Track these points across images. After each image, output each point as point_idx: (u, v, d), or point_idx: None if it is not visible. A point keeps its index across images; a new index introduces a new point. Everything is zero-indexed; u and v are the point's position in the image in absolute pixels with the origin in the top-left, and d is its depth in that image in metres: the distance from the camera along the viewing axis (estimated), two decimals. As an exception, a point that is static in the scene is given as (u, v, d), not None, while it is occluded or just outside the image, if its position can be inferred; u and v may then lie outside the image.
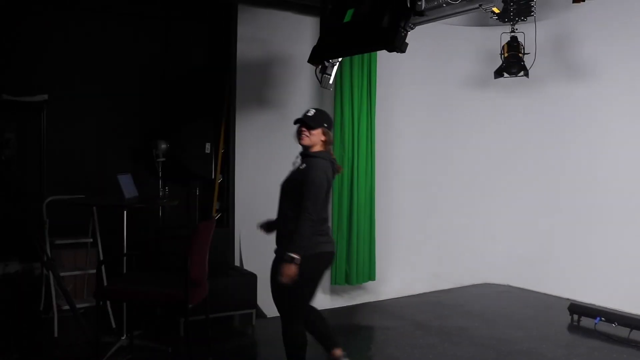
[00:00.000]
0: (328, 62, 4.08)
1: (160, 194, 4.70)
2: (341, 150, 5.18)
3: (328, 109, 4.90)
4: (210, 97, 5.04)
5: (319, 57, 4.03)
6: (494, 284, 5.96)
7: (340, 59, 4.18)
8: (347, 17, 3.61)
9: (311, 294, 2.98)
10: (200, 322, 3.70)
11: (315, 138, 2.99)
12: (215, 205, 4.96)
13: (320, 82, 4.15)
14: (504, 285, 5.93)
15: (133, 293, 3.30)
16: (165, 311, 4.44)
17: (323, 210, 2.94)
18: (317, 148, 3.00)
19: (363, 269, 5.21)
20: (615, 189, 5.29)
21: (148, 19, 4.93)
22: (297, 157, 3.09)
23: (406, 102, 5.68)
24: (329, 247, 3.00)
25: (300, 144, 3.03)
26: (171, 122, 4.94)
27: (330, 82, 4.14)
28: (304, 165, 2.99)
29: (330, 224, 3.39)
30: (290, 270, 2.77)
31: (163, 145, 4.70)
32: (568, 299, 5.19)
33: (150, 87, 4.96)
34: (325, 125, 3.04)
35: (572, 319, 4.72)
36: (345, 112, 5.16)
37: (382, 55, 4.98)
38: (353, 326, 4.81)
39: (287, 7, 5.12)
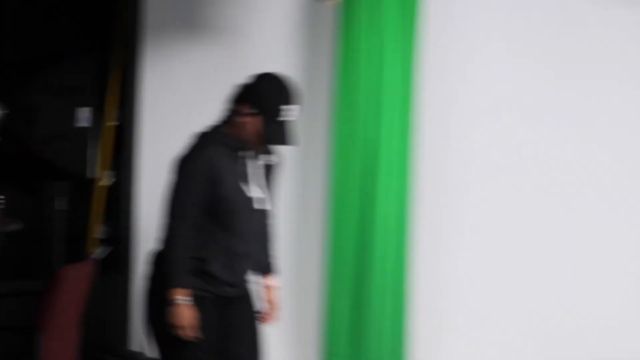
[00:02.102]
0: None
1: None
2: (349, 124, 3.88)
3: (323, 44, 4.01)
4: (88, 14, 4.15)
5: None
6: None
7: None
8: None
9: None
10: None
11: None
12: (97, 231, 4.09)
13: None
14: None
15: None
16: None
17: None
18: None
19: (385, 348, 3.93)
20: None
21: None
22: (246, 152, 2.90)
23: (485, 32, 4.14)
24: None
25: (253, 150, 2.95)
26: (5, 65, 4.07)
27: None
28: (273, 158, 2.99)
29: None
30: None
31: (-11, 113, 3.91)
32: None
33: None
34: None
35: None
36: (361, 52, 3.85)
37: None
38: None
39: None
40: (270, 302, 2.91)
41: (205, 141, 2.76)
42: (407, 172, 3.88)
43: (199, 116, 3.41)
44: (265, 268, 2.92)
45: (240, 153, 2.80)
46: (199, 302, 2.75)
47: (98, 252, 4.09)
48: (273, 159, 2.85)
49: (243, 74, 2.76)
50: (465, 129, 4.10)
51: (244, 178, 2.75)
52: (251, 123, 2.70)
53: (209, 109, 3.25)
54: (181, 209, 2.71)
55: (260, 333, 2.93)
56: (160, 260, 2.80)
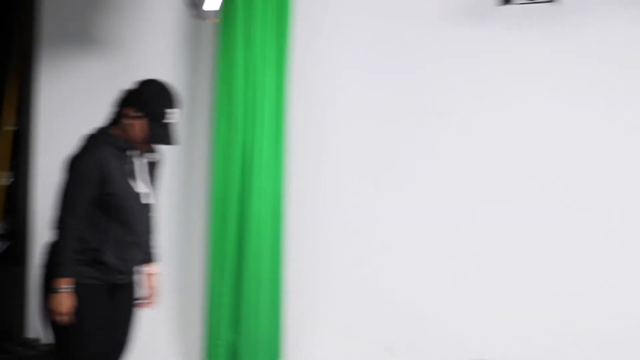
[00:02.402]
0: (205, -26, 3.68)
1: None
2: (228, 130, 4.11)
3: (205, 59, 4.31)
4: None
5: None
6: (492, 363, 5.12)
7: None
8: None
9: None
10: None
11: None
12: None
13: (192, 8, 3.74)
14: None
15: None
16: None
17: None
18: None
19: (262, 340, 4.12)
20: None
21: None
22: (133, 151, 3.03)
23: (346, 49, 4.55)
24: None
25: (140, 149, 3.10)
26: None
27: (211, 8, 3.70)
28: (155, 156, 3.14)
29: None
30: None
31: None
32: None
33: None
34: None
35: None
36: (238, 64, 4.07)
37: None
38: None
39: None
40: (151, 287, 3.11)
41: (95, 142, 2.90)
42: (279, 172, 4.17)
43: (90, 120, 3.40)
44: (147, 257, 3.10)
45: (127, 152, 2.91)
46: (92, 289, 2.89)
47: (-3, 246, 4.03)
48: (155, 157, 3.03)
49: (131, 82, 2.96)
50: (330, 133, 4.47)
51: (132, 175, 2.92)
52: (137, 125, 2.87)
53: (99, 114, 3.28)
54: (72, 205, 2.84)
55: (135, 319, 3.12)
56: (52, 250, 2.89)
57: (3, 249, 4.17)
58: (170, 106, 2.95)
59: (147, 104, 2.90)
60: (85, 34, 4.17)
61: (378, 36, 4.52)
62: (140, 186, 2.98)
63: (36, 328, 3.99)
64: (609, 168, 4.47)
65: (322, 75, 4.46)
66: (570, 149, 4.51)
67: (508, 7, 4.27)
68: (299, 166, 4.35)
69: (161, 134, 2.94)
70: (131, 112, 2.89)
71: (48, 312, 2.93)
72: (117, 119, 2.95)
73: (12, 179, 4.18)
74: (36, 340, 4.00)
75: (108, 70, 4.10)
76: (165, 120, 2.93)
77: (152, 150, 3.02)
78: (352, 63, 4.48)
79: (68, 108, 4.16)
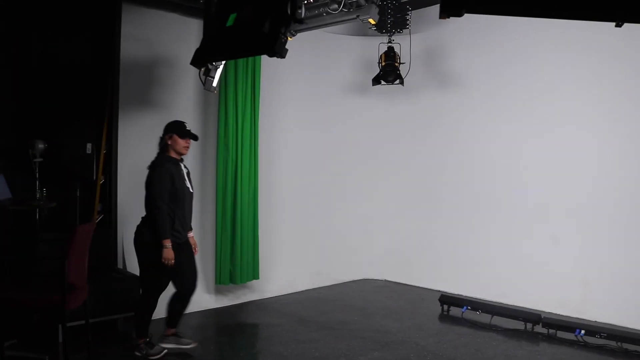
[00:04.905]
0: (212, 64, 4.29)
1: (37, 195, 4.42)
2: (225, 152, 5.14)
3: (212, 112, 5.40)
4: (92, 96, 4.87)
5: (202, 60, 4.13)
6: (372, 280, 6.14)
7: (223, 62, 4.34)
8: (230, 22, 3.69)
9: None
10: (80, 327, 3.60)
11: None
12: (97, 206, 4.82)
13: (204, 84, 4.34)
14: (381, 280, 6.11)
15: (4, 299, 3.13)
16: (41, 317, 4.12)
17: None
18: None
19: (247, 269, 5.17)
20: (476, 189, 5.67)
21: (25, 11, 4.54)
22: (183, 165, 3.65)
23: (289, 106, 5.80)
24: None
25: (185, 153, 3.74)
26: (50, 122, 4.68)
27: (214, 84, 4.35)
28: (187, 168, 3.69)
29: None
30: None
31: (41, 145, 4.44)
32: (439, 291, 5.50)
33: (27, 84, 4.63)
34: None
35: (442, 309, 5.08)
36: (230, 114, 5.13)
37: (266, 60, 4.89)
38: (238, 324, 4.89)
39: (173, 9, 5.07)
40: (194, 243, 4.01)
41: (160, 161, 3.75)
42: (254, 177, 5.34)
43: (149, 147, 4.18)
44: (190, 226, 3.97)
45: (177, 164, 3.71)
46: (173, 246, 3.63)
47: (98, 217, 4.78)
48: (187, 168, 3.86)
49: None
50: (281, 155, 5.84)
51: (183, 178, 3.76)
52: (174, 140, 3.74)
53: (155, 144, 4.05)
54: (160, 198, 3.60)
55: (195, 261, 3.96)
56: (151, 222, 3.60)
57: (100, 218, 4.77)
58: (184, 122, 3.83)
59: (173, 127, 3.79)
60: (145, 95, 5.03)
61: (306, 101, 5.99)
62: (187, 183, 3.80)
63: (122, 263, 4.82)
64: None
65: (277, 123, 5.81)
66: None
67: (378, 86, 5.80)
68: (264, 172, 5.62)
69: (188, 134, 3.74)
70: (168, 137, 3.77)
71: (141, 257, 3.68)
72: (164, 146, 3.82)
73: (103, 180, 4.79)
74: (122, 269, 4.79)
75: (159, 119, 4.43)
76: (187, 129, 3.78)
77: (185, 166, 3.79)
78: (292, 116, 5.92)
79: (136, 139, 4.93)
